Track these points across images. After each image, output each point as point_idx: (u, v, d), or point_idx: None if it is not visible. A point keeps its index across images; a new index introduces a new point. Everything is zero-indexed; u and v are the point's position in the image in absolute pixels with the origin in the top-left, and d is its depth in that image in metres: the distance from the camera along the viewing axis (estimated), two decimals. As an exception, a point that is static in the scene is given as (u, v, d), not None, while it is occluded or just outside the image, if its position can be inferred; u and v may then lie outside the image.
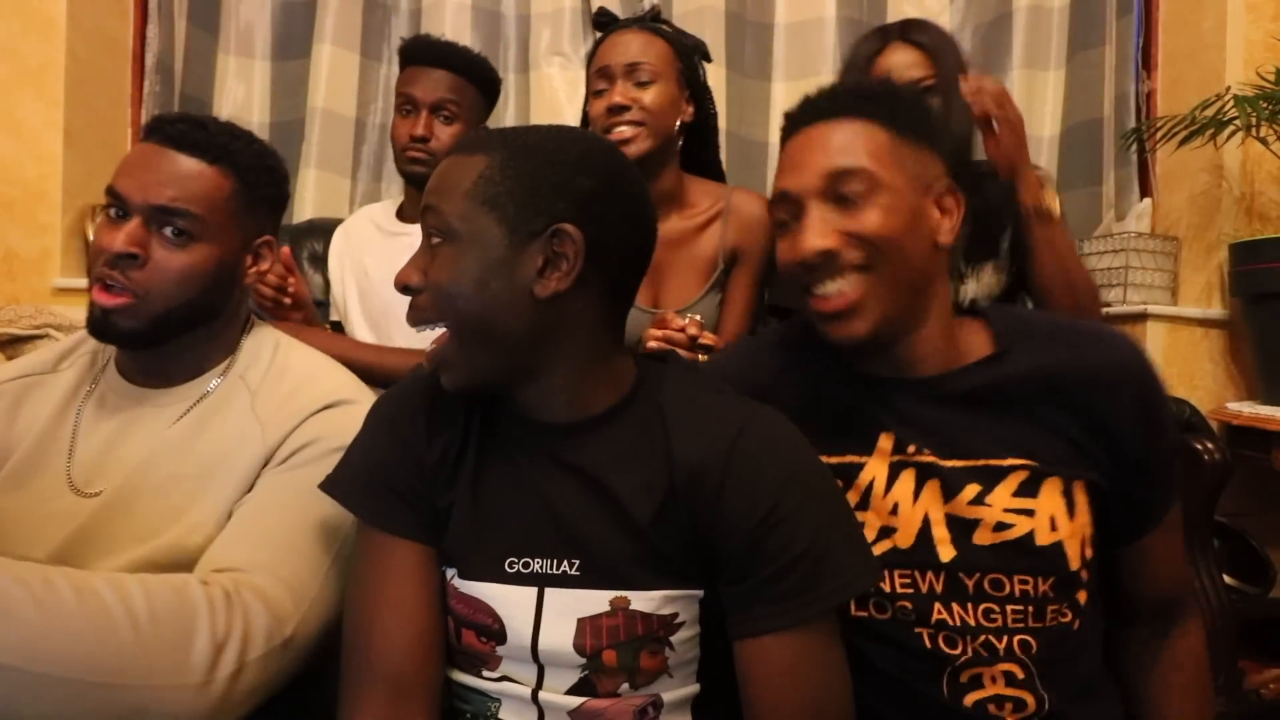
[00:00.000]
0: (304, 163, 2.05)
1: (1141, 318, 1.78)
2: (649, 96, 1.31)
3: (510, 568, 0.74)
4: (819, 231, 0.78)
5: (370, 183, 2.12)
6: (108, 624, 0.67)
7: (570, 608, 0.73)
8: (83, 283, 1.89)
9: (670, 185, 1.39)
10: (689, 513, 0.72)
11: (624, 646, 0.72)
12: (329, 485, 0.79)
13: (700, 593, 0.74)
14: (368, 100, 2.12)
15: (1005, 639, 0.77)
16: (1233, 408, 1.67)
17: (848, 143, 0.79)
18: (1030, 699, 0.77)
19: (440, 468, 0.77)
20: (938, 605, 0.78)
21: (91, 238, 1.90)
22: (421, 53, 1.49)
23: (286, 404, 0.92)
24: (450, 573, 0.77)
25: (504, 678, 0.75)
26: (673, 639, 0.73)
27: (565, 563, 0.73)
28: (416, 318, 0.74)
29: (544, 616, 0.73)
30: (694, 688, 0.76)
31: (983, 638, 0.77)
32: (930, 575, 0.78)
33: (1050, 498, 0.78)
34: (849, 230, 0.77)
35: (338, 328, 1.59)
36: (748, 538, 0.70)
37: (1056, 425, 0.79)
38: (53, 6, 1.88)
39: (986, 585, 0.78)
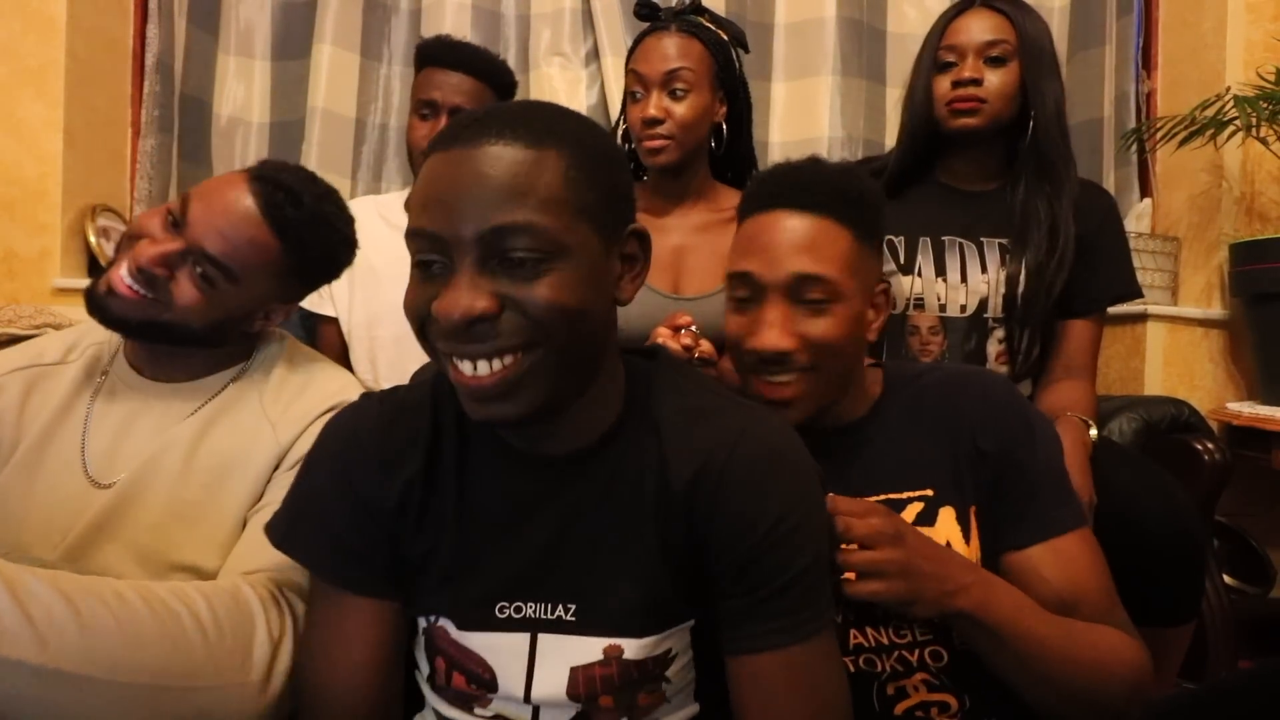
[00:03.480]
0: (304, 163, 2.02)
1: (1141, 318, 1.78)
2: (682, 109, 1.32)
3: (501, 613, 0.70)
4: (782, 331, 0.82)
5: (370, 183, 2.12)
6: (179, 632, 0.70)
7: (563, 655, 0.69)
8: (83, 283, 1.88)
9: (697, 182, 1.41)
10: (685, 533, 0.68)
11: (620, 692, 0.69)
12: (273, 533, 0.74)
13: (692, 623, 0.71)
14: (368, 100, 2.12)
15: (916, 652, 0.82)
16: (1233, 408, 1.67)
17: (817, 245, 0.82)
18: (952, 700, 0.82)
19: (404, 512, 0.71)
20: (853, 631, 0.83)
21: (93, 237, 1.90)
22: (443, 55, 1.47)
23: (294, 405, 0.93)
24: (432, 619, 0.73)
25: (497, 716, 0.72)
26: (668, 673, 0.71)
27: (561, 607, 0.69)
28: (496, 347, 0.60)
29: (537, 664, 0.69)
30: (693, 708, 0.74)
31: (896, 654, 0.82)
32: (841, 606, 0.80)
33: (947, 524, 0.84)
34: (805, 334, 0.82)
35: (312, 320, 1.57)
36: (747, 555, 0.66)
37: (949, 457, 0.85)
38: (53, 6, 1.88)
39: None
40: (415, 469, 0.70)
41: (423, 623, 0.74)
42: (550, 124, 0.63)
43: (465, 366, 0.62)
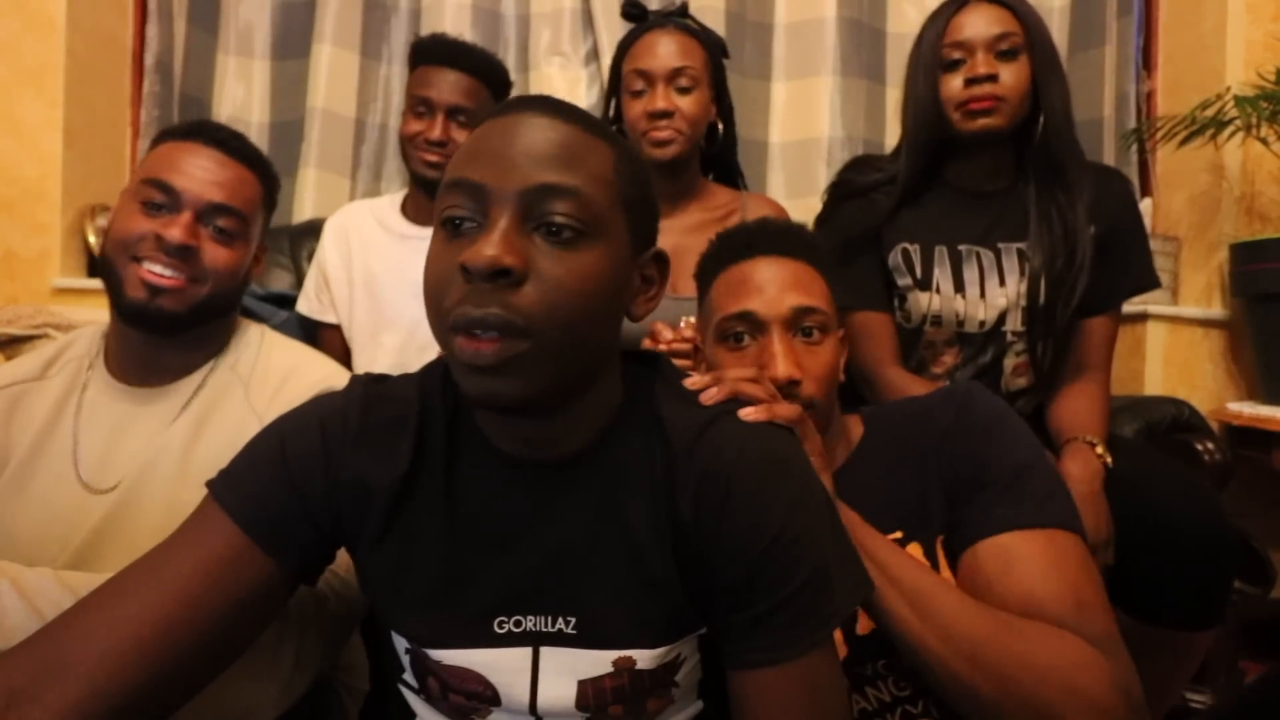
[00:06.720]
0: (304, 163, 2.04)
1: (1142, 318, 1.78)
2: (688, 103, 1.37)
3: (500, 628, 0.66)
4: (789, 361, 0.83)
5: (370, 183, 2.12)
6: None
7: (569, 667, 0.66)
8: (82, 283, 1.89)
9: (693, 182, 1.46)
10: (690, 544, 0.65)
11: (631, 701, 0.67)
12: (215, 482, 0.68)
13: (704, 630, 0.69)
14: (368, 100, 2.11)
15: (920, 702, 0.79)
16: (1233, 408, 1.68)
17: (803, 282, 0.86)
18: None
19: (367, 507, 0.67)
20: (855, 696, 0.80)
21: (93, 237, 1.89)
22: (439, 53, 1.46)
23: (279, 395, 0.94)
24: (414, 645, 0.69)
25: None
26: (677, 677, 0.69)
27: (560, 620, 0.66)
28: (505, 319, 0.56)
29: (541, 678, 0.66)
30: (697, 705, 0.73)
31: (900, 709, 0.80)
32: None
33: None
34: (806, 365, 0.84)
35: (313, 327, 1.58)
36: (749, 568, 0.63)
37: (914, 494, 0.83)
38: (52, 6, 1.88)
39: (881, 667, 0.80)
40: (399, 472, 0.67)
41: (403, 643, 0.71)
42: (602, 124, 0.65)
43: (465, 340, 0.58)
